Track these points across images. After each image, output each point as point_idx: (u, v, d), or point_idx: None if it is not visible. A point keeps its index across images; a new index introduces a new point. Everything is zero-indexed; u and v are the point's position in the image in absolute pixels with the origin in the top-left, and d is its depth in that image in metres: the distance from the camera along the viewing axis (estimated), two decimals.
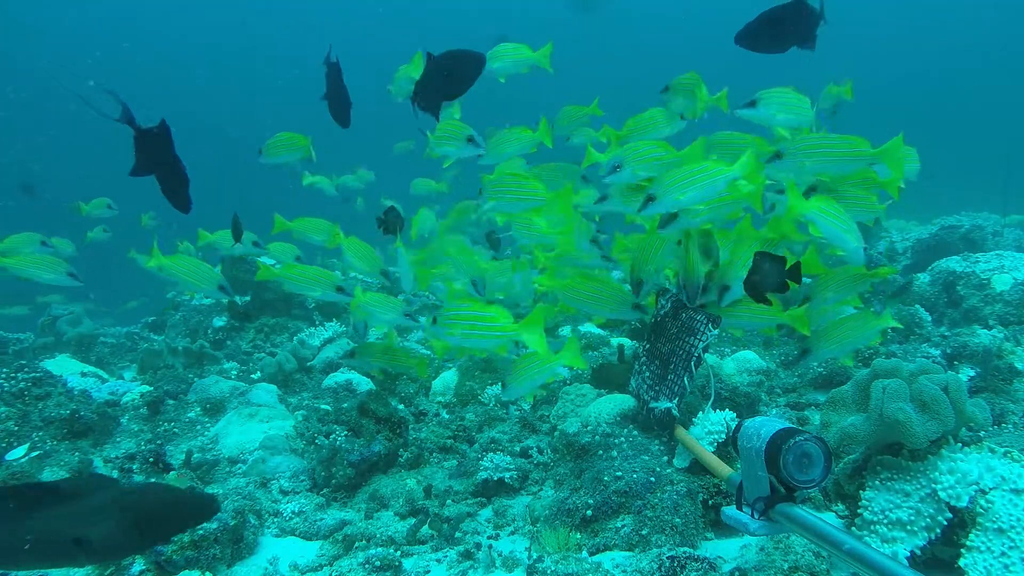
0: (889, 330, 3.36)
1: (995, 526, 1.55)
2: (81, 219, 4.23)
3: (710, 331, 2.23)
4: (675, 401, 2.26)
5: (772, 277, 1.89)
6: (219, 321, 4.66)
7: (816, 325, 2.32)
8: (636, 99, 2.73)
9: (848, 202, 2.16)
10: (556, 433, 2.48)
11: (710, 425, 2.18)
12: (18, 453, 2.62)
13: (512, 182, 2.42)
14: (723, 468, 1.88)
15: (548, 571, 1.69)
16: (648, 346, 2.53)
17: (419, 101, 2.45)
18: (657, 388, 2.37)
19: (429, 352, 3.91)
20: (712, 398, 2.35)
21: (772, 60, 2.44)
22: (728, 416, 2.21)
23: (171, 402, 3.41)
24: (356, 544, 2.08)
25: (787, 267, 1.89)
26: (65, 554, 1.43)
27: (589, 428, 2.31)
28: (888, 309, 2.28)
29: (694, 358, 2.24)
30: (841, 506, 1.91)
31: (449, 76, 2.40)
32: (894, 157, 2.10)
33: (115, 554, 1.62)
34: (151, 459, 2.45)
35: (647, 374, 2.47)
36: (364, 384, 3.48)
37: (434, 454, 2.66)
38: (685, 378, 2.26)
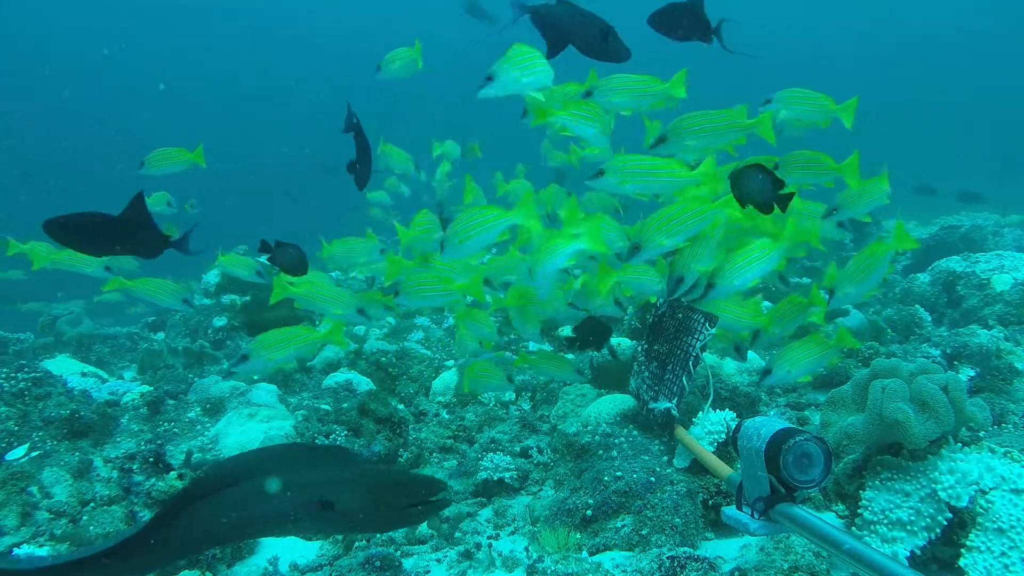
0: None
1: (995, 526, 1.55)
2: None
3: (707, 330, 2.23)
4: (674, 401, 2.26)
5: (761, 190, 1.92)
6: (219, 321, 4.65)
7: (773, 349, 2.37)
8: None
9: (804, 170, 2.32)
10: (556, 433, 2.48)
11: (710, 425, 2.18)
12: (18, 453, 2.62)
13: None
14: (723, 468, 1.88)
15: (548, 571, 1.69)
16: (646, 346, 2.53)
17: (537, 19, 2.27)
18: (656, 388, 2.37)
19: (429, 353, 3.91)
20: (711, 398, 2.35)
21: (761, 60, 2.46)
22: (728, 416, 2.21)
23: (171, 402, 3.41)
24: (356, 544, 2.08)
25: (779, 189, 1.94)
26: (310, 517, 1.44)
27: (589, 428, 2.31)
28: (845, 330, 2.32)
29: (692, 358, 2.24)
30: (841, 506, 1.91)
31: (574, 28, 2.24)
32: (766, 128, 2.25)
33: (352, 526, 1.62)
34: (151, 459, 2.44)
35: (646, 374, 2.47)
36: (364, 384, 3.48)
37: (434, 454, 2.66)
38: (684, 378, 2.26)
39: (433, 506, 1.54)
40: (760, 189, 1.95)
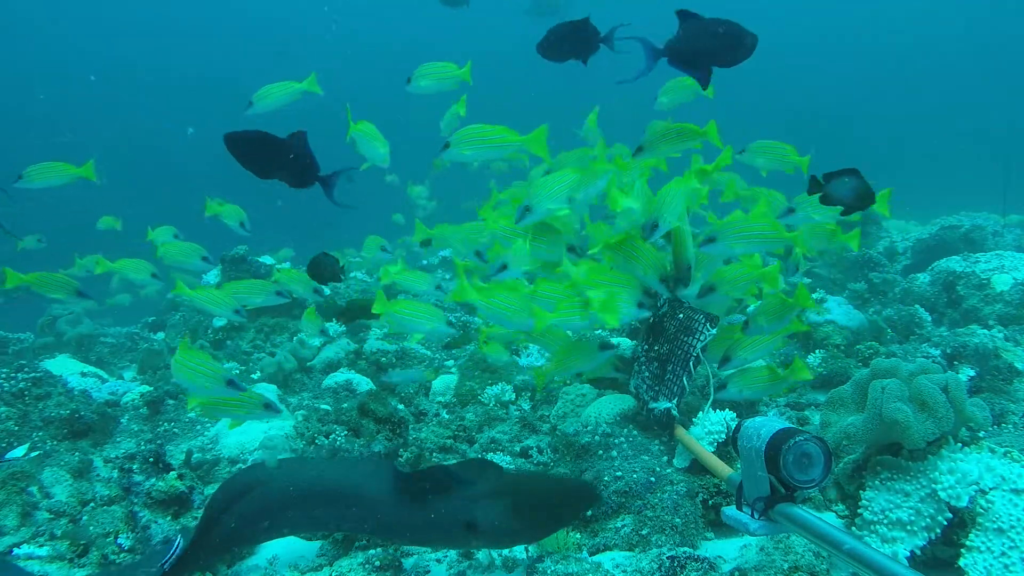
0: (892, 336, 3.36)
1: (995, 526, 1.55)
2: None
3: (708, 331, 2.23)
4: (674, 401, 2.26)
5: (848, 193, 2.04)
6: (219, 321, 4.65)
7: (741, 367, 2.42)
8: (598, 100, 2.80)
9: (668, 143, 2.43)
10: (556, 433, 2.48)
11: (710, 425, 2.18)
12: (18, 453, 2.63)
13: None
14: (723, 468, 1.88)
15: (548, 571, 1.69)
16: (646, 346, 2.53)
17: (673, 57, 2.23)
18: (656, 388, 2.37)
19: (429, 353, 3.91)
20: (712, 398, 2.35)
21: (746, 69, 2.45)
22: (728, 416, 2.21)
23: (171, 402, 3.41)
24: (356, 544, 2.08)
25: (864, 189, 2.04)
26: (458, 537, 1.43)
27: (589, 428, 2.31)
28: (799, 362, 2.38)
29: (692, 358, 2.24)
30: (841, 506, 1.91)
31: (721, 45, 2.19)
32: (539, 145, 2.31)
33: (500, 540, 1.60)
34: (151, 459, 2.45)
35: (646, 374, 2.47)
36: (364, 384, 3.48)
37: (434, 454, 2.66)
38: (684, 378, 2.26)
39: (579, 510, 1.50)
40: (855, 196, 2.06)
